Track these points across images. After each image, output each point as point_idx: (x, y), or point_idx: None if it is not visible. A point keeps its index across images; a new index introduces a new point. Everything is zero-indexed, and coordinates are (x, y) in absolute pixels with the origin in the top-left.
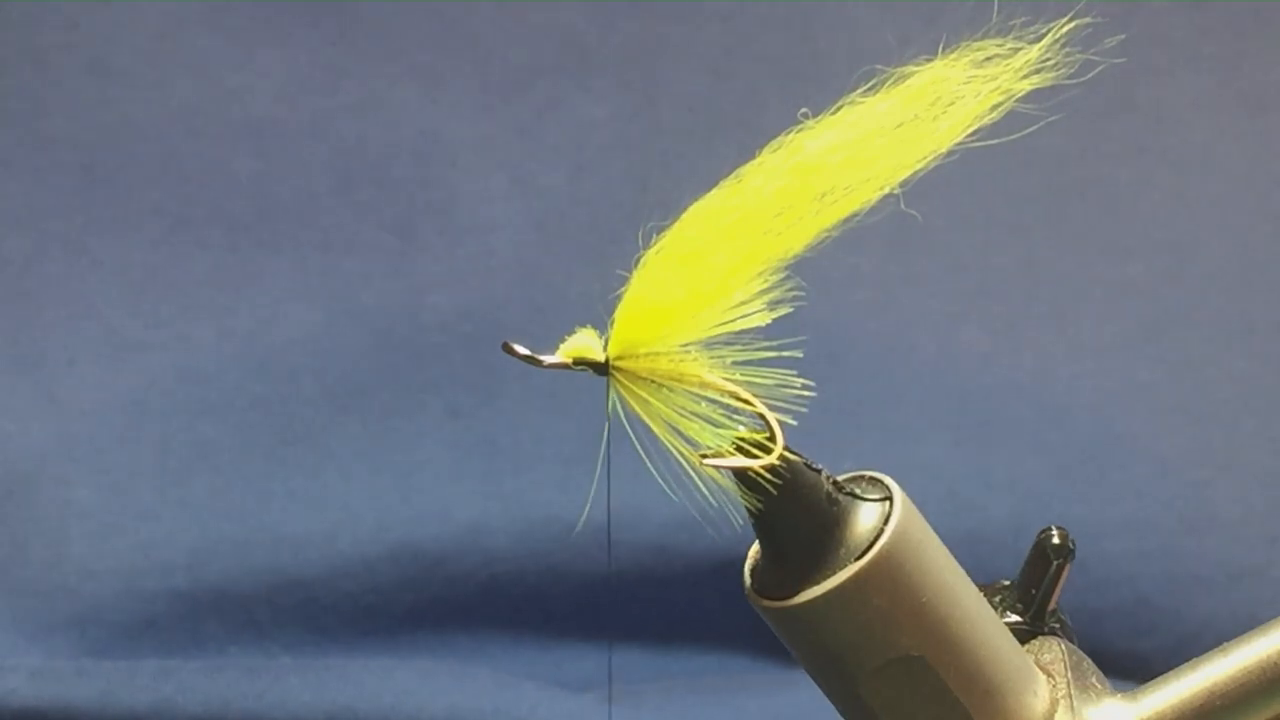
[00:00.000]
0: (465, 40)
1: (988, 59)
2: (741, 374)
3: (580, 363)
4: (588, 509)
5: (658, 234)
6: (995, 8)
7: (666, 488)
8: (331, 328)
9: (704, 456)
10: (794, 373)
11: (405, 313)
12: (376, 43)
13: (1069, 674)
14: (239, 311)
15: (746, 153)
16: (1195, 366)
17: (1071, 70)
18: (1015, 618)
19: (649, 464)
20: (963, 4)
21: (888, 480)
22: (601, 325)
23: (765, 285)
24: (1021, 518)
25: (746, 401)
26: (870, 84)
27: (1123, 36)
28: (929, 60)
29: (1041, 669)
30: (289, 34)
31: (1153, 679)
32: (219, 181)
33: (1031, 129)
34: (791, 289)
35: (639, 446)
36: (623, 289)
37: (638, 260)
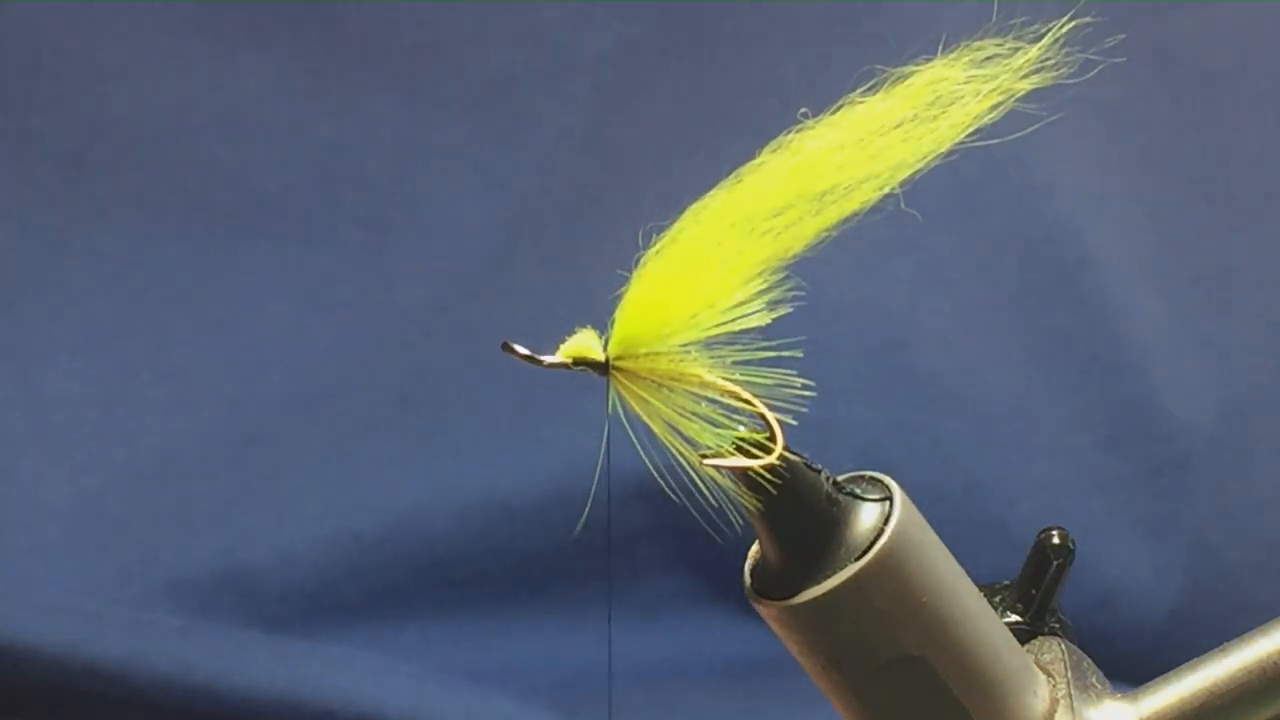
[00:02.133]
0: (444, 47)
1: (988, 59)
2: (741, 374)
3: (580, 363)
4: (585, 515)
5: (657, 234)
6: (995, 8)
7: (659, 480)
8: (300, 321)
9: (704, 456)
10: (794, 373)
11: (372, 306)
12: (358, 47)
13: (1069, 674)
14: (214, 304)
15: (718, 156)
16: (1105, 319)
17: (1071, 69)
18: (1015, 618)
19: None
20: (963, 3)
21: (888, 480)
22: (562, 325)
23: (765, 285)
24: (941, 479)
25: (746, 401)
26: (870, 84)
27: (1122, 36)
28: (929, 60)
29: (1041, 669)
30: (273, 37)
31: (1074, 623)
32: (199, 175)
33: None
34: (791, 289)
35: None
36: (623, 289)
37: (636, 260)
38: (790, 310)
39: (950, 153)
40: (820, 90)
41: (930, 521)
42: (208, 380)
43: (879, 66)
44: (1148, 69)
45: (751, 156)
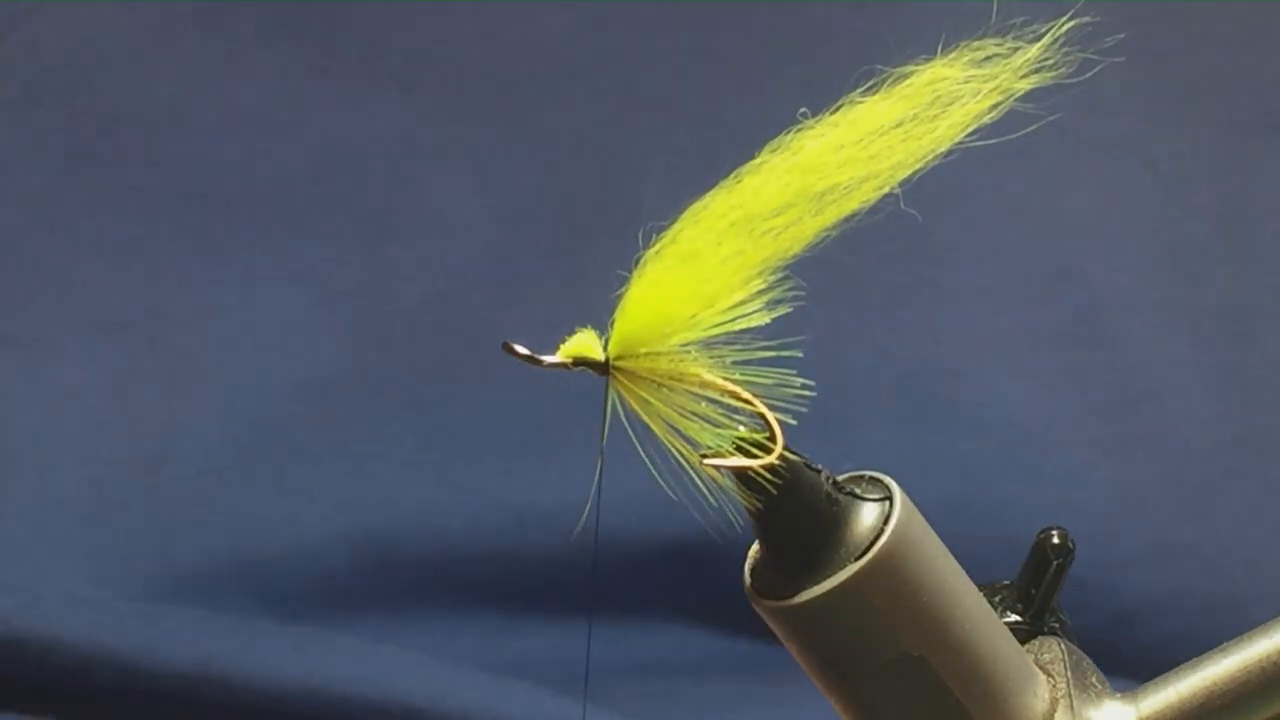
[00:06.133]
0: (443, 48)
1: (987, 58)
2: (741, 374)
3: (580, 363)
4: (588, 513)
5: (657, 234)
6: (995, 8)
7: (662, 483)
8: (304, 314)
9: (704, 456)
10: (793, 372)
11: (375, 301)
12: (359, 47)
13: (1069, 674)
14: (215, 294)
15: (713, 157)
16: (1126, 353)
17: (1071, 69)
18: (1015, 618)
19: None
20: (963, 3)
21: (888, 480)
22: (565, 322)
23: (765, 285)
24: (961, 500)
25: (747, 401)
26: (870, 84)
27: (1121, 35)
28: (928, 60)
29: (1041, 669)
30: (276, 33)
31: (1089, 644)
32: (200, 167)
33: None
34: (791, 289)
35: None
36: (623, 289)
37: (637, 259)
38: (813, 341)
39: (972, 190)
40: (820, 90)
41: (950, 540)
42: (213, 373)
43: (879, 66)
44: (1166, 105)
45: (750, 156)
